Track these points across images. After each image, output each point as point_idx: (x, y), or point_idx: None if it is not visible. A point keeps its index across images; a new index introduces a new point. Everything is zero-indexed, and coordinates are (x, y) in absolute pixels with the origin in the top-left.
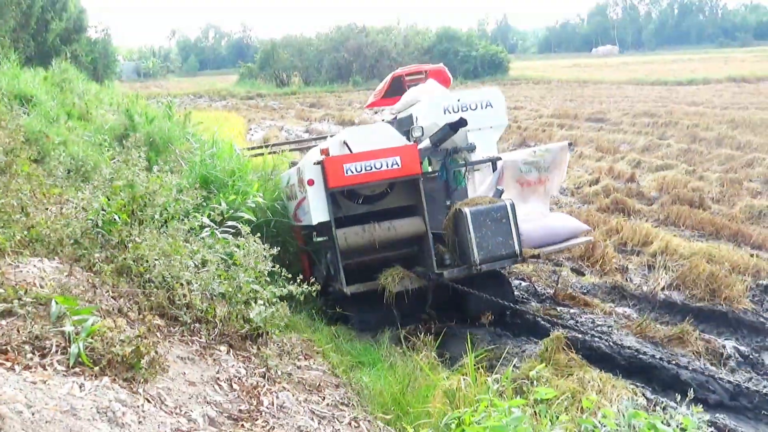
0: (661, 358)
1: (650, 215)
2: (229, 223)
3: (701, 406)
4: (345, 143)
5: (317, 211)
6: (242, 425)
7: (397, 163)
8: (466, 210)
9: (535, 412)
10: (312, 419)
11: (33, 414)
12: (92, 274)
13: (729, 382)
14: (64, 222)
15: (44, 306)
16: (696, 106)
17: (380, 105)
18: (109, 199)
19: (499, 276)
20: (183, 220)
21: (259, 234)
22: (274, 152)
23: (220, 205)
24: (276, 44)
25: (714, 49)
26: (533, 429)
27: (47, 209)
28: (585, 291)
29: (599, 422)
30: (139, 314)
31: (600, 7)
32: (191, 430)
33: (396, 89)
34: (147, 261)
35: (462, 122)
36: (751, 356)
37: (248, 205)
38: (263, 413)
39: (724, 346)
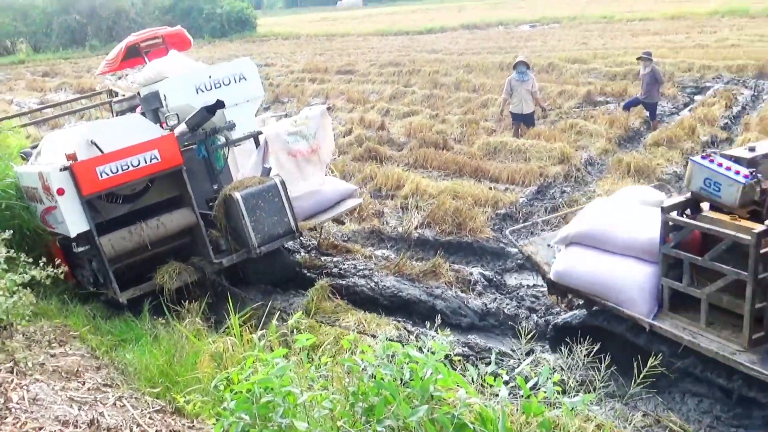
0: (418, 293)
1: (401, 160)
2: None
3: (449, 329)
4: (93, 143)
5: (74, 222)
6: None
7: (156, 157)
8: (237, 195)
9: (300, 360)
10: (71, 406)
11: None
12: None
13: (477, 306)
14: None
15: None
16: (436, 53)
17: (116, 72)
18: None
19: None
20: None
21: None
22: None
23: None
24: None
25: None
26: (297, 375)
27: None
28: (346, 239)
29: (360, 359)
30: None
31: None
32: None
33: (132, 56)
34: None
35: (219, 104)
36: (494, 279)
37: None
38: (13, 410)
39: (471, 274)
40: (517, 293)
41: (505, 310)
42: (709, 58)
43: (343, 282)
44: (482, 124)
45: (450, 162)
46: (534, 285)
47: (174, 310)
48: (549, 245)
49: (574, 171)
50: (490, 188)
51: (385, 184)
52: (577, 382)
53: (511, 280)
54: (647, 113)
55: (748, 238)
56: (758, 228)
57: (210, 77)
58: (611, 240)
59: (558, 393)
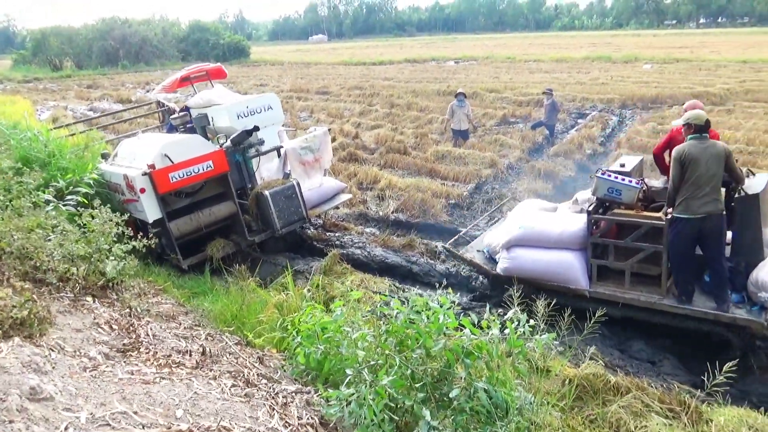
0: (399, 260)
1: (374, 161)
2: (70, 197)
3: (421, 287)
4: (166, 155)
5: (151, 212)
6: (130, 354)
7: (210, 166)
8: (266, 192)
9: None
10: (179, 340)
11: None
12: None
13: (442, 269)
14: None
15: None
16: (388, 81)
17: (170, 92)
18: None
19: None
20: (26, 197)
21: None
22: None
23: (58, 183)
24: (46, 33)
25: (392, 38)
26: (346, 319)
27: None
28: (342, 219)
29: (393, 308)
30: (7, 282)
31: (312, 5)
32: (95, 365)
33: (184, 82)
34: (7, 237)
35: (256, 128)
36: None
37: (86, 181)
38: (143, 343)
39: (436, 246)
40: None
41: (462, 273)
42: (586, 92)
43: (344, 251)
44: (430, 136)
45: (410, 164)
46: None
47: (227, 271)
48: (478, 251)
49: (500, 173)
50: (443, 184)
51: (365, 179)
52: (546, 325)
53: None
54: (547, 132)
55: (663, 222)
56: (667, 216)
57: (247, 107)
58: (546, 238)
59: (531, 333)
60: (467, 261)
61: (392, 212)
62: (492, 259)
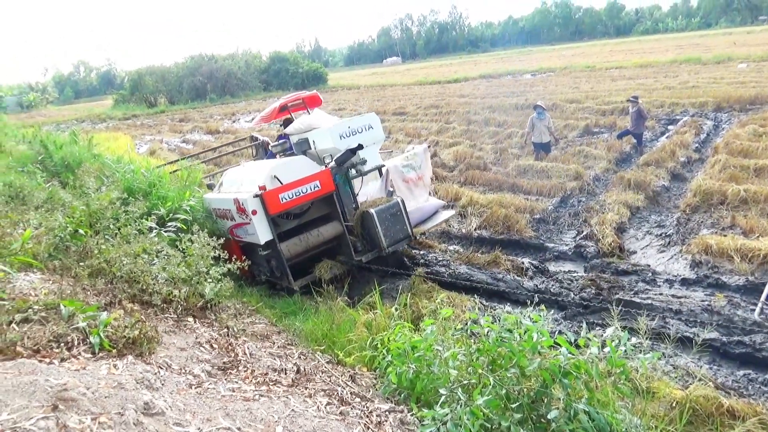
0: (484, 277)
1: (453, 179)
2: (170, 223)
3: (510, 304)
4: (275, 177)
5: (263, 234)
6: (230, 372)
7: (317, 186)
8: (372, 210)
9: (441, 326)
10: (274, 359)
11: (93, 393)
12: (72, 279)
13: (530, 286)
14: (36, 242)
15: (53, 310)
16: (464, 97)
17: (270, 121)
18: (69, 218)
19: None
20: (132, 225)
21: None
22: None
23: (160, 210)
24: (142, 73)
25: (466, 56)
26: (436, 337)
27: (11, 233)
28: (426, 237)
29: (484, 327)
30: (118, 305)
31: (385, 29)
32: (200, 382)
33: (282, 111)
34: (117, 262)
35: (360, 146)
36: (540, 266)
37: (184, 208)
38: (241, 361)
39: (523, 263)
40: (557, 277)
41: (551, 289)
42: (676, 96)
43: (429, 269)
44: (510, 151)
45: (491, 180)
46: (569, 270)
47: (316, 292)
48: None
49: (586, 185)
50: (526, 199)
51: (446, 197)
52: (648, 346)
53: (552, 267)
54: (635, 141)
55: None
56: None
57: (348, 127)
58: None
59: (633, 352)
60: None
61: (475, 229)
62: None
